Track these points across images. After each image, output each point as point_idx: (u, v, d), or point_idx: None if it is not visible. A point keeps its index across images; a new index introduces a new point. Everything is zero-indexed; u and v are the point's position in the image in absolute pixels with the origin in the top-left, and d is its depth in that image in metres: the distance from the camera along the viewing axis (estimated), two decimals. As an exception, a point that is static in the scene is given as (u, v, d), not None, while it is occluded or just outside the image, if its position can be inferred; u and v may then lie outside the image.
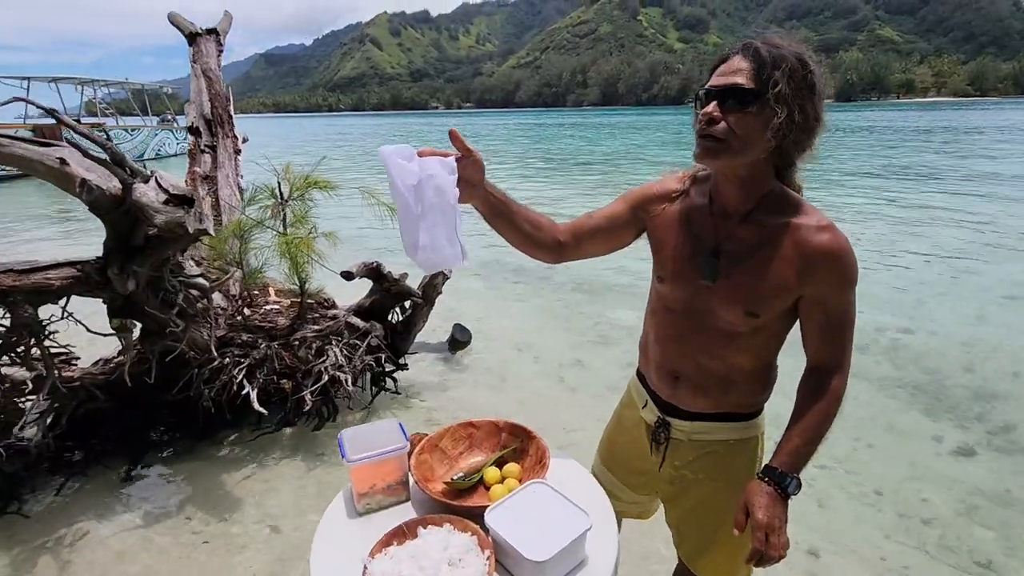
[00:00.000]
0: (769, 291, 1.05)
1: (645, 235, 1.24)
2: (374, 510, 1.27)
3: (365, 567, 1.06)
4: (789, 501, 1.06)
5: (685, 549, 1.33)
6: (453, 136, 1.02)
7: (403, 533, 1.15)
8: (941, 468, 2.60)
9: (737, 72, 0.96)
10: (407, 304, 3.32)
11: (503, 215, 1.14)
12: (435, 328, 3.90)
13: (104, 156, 1.98)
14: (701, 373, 1.17)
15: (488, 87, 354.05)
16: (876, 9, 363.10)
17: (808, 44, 1.00)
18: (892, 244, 6.65)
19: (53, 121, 2.04)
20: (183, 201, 2.03)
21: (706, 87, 1.00)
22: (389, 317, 3.29)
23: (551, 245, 1.22)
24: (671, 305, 1.19)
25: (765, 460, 1.13)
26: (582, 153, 20.77)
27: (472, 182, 1.05)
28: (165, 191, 2.03)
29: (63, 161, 1.93)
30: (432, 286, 3.25)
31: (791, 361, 1.20)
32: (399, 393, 3.18)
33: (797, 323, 1.12)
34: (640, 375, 1.35)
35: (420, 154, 0.95)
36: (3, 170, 14.57)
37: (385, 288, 3.13)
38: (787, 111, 0.94)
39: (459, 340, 3.80)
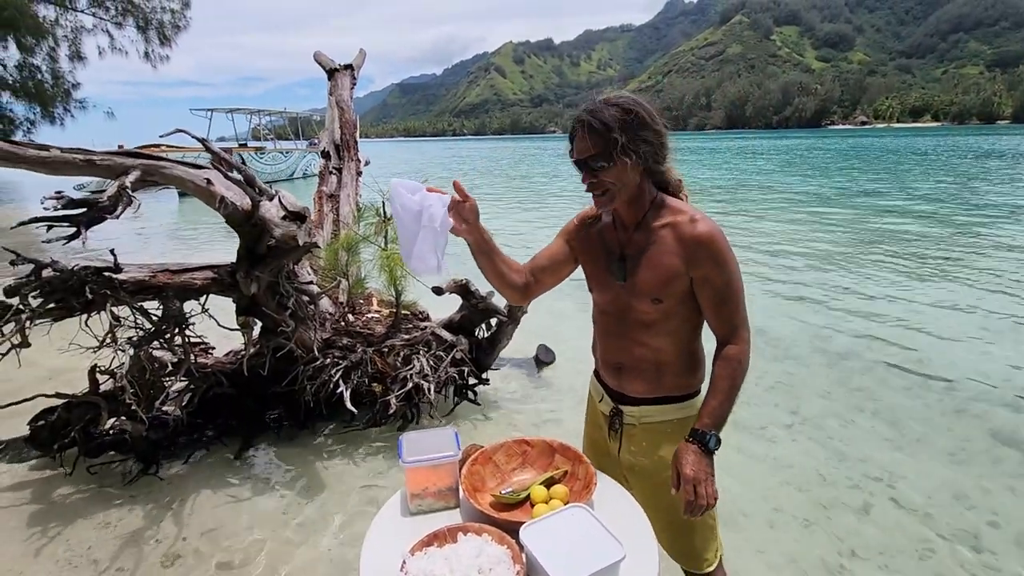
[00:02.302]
0: (664, 278, 1.29)
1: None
2: (424, 512, 1.34)
3: (404, 562, 1.13)
4: (715, 457, 1.27)
5: (665, 544, 1.44)
6: (456, 185, 1.31)
7: (444, 536, 1.21)
8: None
9: (585, 147, 1.24)
10: (493, 321, 3.43)
11: (485, 253, 1.40)
12: (523, 345, 3.99)
13: (240, 177, 2.33)
14: (635, 360, 1.38)
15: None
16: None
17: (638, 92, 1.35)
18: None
19: (224, 146, 2.44)
20: (297, 217, 2.32)
21: (573, 159, 1.28)
22: (476, 333, 3.43)
23: (518, 285, 1.46)
24: (602, 307, 1.44)
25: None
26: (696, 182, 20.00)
27: (467, 220, 1.32)
28: (284, 208, 2.34)
29: (209, 181, 2.30)
30: (518, 306, 3.34)
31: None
32: (479, 404, 3.28)
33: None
34: (596, 373, 1.55)
35: (428, 190, 1.26)
36: None
37: (473, 305, 3.27)
38: (635, 151, 1.21)
39: (543, 360, 3.84)
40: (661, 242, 1.29)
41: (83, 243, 1.97)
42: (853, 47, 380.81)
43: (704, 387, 1.40)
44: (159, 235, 10.85)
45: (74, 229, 2.01)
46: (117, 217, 2.00)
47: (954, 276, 6.17)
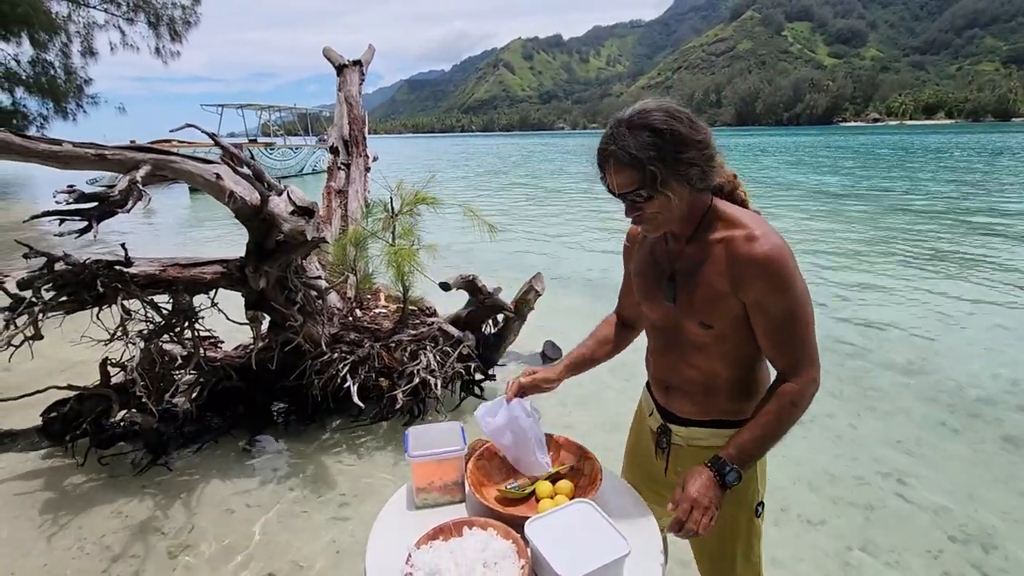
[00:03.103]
0: (711, 301, 1.15)
1: None
2: (430, 506, 1.35)
3: (409, 555, 1.14)
4: (729, 491, 1.12)
5: (702, 566, 1.40)
6: (519, 389, 1.40)
7: (449, 530, 1.21)
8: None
9: (620, 183, 1.09)
10: (500, 317, 3.43)
11: (588, 364, 1.46)
12: (530, 341, 3.98)
13: (249, 172, 2.34)
14: (684, 381, 1.27)
15: (616, 108, 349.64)
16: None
17: (667, 98, 1.13)
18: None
19: (234, 141, 2.46)
20: (305, 212, 2.33)
21: (609, 191, 1.13)
22: (483, 328, 3.43)
23: (628, 337, 1.48)
24: (653, 323, 1.33)
25: (762, 472, 1.28)
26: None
27: (550, 382, 1.41)
28: (293, 203, 2.35)
29: (218, 176, 2.31)
30: (524, 302, 3.34)
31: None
32: (485, 399, 3.28)
33: None
34: (648, 385, 1.45)
35: (508, 399, 1.39)
36: None
37: (480, 300, 3.27)
38: (679, 177, 1.07)
39: (550, 357, 3.85)
40: (713, 260, 1.13)
41: (94, 236, 1.99)
42: (866, 43, 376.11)
43: None
44: (170, 230, 10.94)
45: (85, 223, 2.03)
46: (128, 211, 2.02)
47: (969, 275, 6.10)
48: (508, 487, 1.38)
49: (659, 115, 1.06)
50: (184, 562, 2.11)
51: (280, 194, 2.39)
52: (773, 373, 1.20)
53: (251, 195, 2.40)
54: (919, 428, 3.06)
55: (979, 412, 3.23)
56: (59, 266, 2.31)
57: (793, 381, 1.12)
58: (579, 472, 1.42)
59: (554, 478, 1.40)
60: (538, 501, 1.33)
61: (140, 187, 2.06)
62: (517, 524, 1.19)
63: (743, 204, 1.21)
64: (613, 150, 1.07)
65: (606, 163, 1.10)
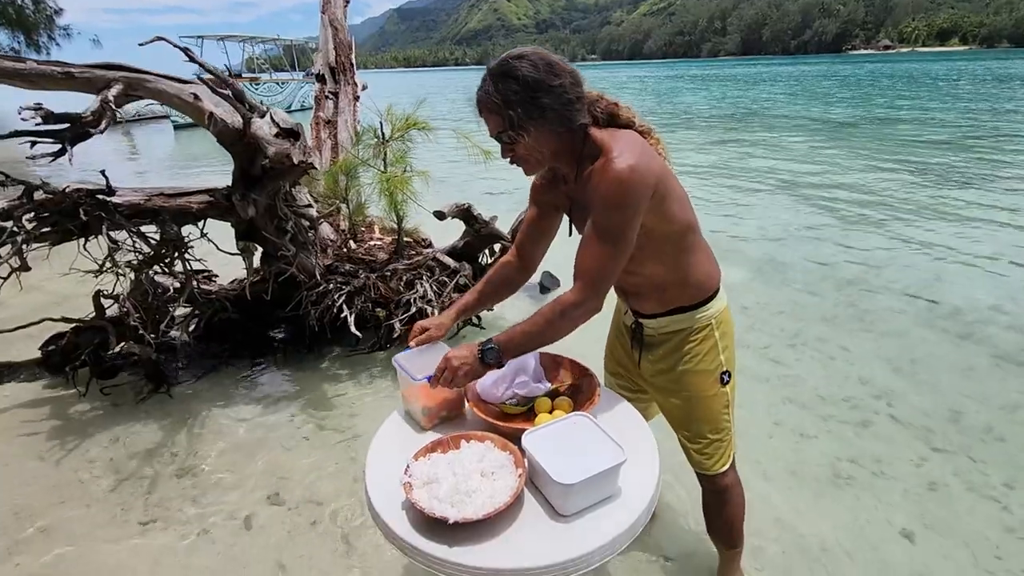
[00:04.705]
0: None
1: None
2: (430, 424, 1.35)
3: (407, 466, 1.15)
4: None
5: (680, 434, 1.51)
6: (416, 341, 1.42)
7: (447, 444, 1.22)
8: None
9: (489, 127, 1.22)
10: (497, 247, 3.39)
11: (476, 308, 1.52)
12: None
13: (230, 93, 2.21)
14: (634, 287, 1.40)
15: (615, 37, 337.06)
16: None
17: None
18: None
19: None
20: (290, 134, 2.22)
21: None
22: (479, 259, 3.39)
23: (519, 279, 1.51)
24: None
25: (724, 345, 1.40)
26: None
27: (442, 329, 1.44)
28: (277, 125, 2.24)
29: (196, 96, 2.19)
30: (522, 230, 3.28)
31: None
32: (484, 328, 3.30)
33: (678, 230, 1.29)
34: None
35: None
36: (183, 119, 16.92)
37: (475, 230, 3.21)
38: (536, 120, 1.16)
39: (547, 287, 3.84)
40: (587, 192, 1.21)
41: (70, 160, 1.90)
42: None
43: (720, 289, 1.41)
44: (156, 169, 10.66)
45: (59, 146, 1.93)
46: (102, 132, 1.92)
47: (971, 204, 6.01)
48: (507, 402, 1.39)
49: (518, 63, 1.16)
50: (190, 484, 2.17)
51: (263, 116, 2.28)
52: (726, 243, 1.34)
53: (233, 117, 2.28)
54: (912, 350, 3.10)
55: (972, 333, 3.26)
56: (39, 195, 2.23)
57: (574, 290, 1.21)
58: (578, 390, 1.43)
59: (553, 395, 1.40)
60: (536, 416, 1.34)
61: (113, 107, 1.95)
62: (515, 437, 1.19)
63: (628, 125, 1.27)
64: (480, 96, 1.19)
65: (479, 111, 1.21)
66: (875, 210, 5.88)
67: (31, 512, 2.04)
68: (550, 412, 1.35)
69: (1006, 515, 1.97)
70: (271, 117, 2.25)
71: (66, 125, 1.95)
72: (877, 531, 1.91)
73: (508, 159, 1.26)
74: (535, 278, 4.00)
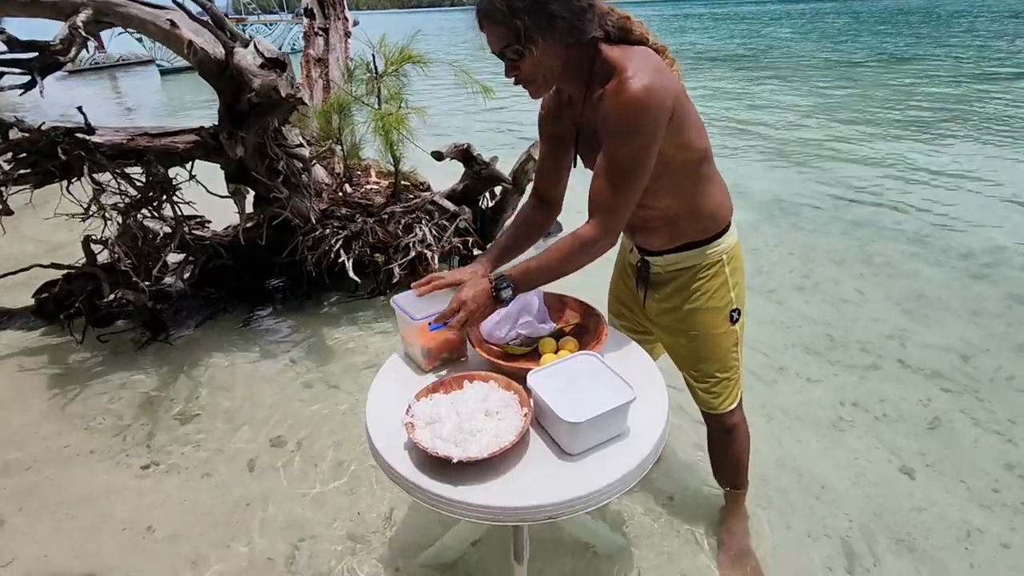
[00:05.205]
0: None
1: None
2: (433, 367, 1.31)
3: (409, 406, 1.11)
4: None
5: (686, 372, 1.47)
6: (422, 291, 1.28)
7: (449, 384, 1.18)
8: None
9: (493, 41, 1.10)
10: (497, 190, 3.28)
11: (517, 250, 1.40)
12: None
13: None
14: (644, 220, 1.30)
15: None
16: None
17: None
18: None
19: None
20: (277, 65, 2.08)
21: (492, 51, 1.13)
22: (479, 202, 3.29)
23: (547, 220, 1.43)
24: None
25: (735, 282, 1.34)
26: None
27: (464, 278, 1.27)
28: (261, 55, 2.09)
29: (173, 23, 2.03)
30: (523, 172, 3.16)
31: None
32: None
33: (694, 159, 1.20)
34: None
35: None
36: (169, 64, 16.28)
37: (475, 172, 3.09)
38: (545, 31, 1.06)
39: (550, 232, 3.74)
40: (600, 116, 1.11)
41: (41, 93, 1.77)
42: None
43: (731, 224, 1.34)
44: (143, 115, 10.33)
45: (28, 77, 1.81)
46: (73, 60, 1.79)
47: (987, 142, 5.80)
48: (512, 342, 1.35)
49: None
50: (192, 429, 2.17)
51: (246, 45, 2.12)
52: (735, 186, 1.25)
53: (214, 47, 2.13)
54: (924, 291, 3.04)
55: (986, 274, 3.19)
56: (14, 134, 2.11)
57: (590, 224, 1.15)
58: (583, 329, 1.38)
59: (559, 335, 1.36)
60: (541, 356, 1.30)
61: (83, 33, 1.81)
62: (519, 378, 1.15)
63: (641, 41, 1.16)
64: (483, 5, 1.08)
65: (481, 23, 1.11)
66: (887, 151, 5.70)
67: (34, 459, 2.04)
68: (555, 352, 1.31)
69: (1010, 448, 1.97)
70: (255, 46, 2.10)
71: (34, 55, 1.81)
72: (877, 469, 1.91)
73: (512, 79, 1.15)
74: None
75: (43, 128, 2.10)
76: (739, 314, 1.38)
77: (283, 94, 2.06)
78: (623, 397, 1.06)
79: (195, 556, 1.65)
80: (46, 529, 1.76)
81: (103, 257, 2.65)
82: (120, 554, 1.67)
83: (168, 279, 2.85)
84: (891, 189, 4.61)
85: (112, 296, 2.65)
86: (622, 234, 1.43)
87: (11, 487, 1.92)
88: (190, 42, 2.02)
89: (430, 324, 1.23)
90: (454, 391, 1.17)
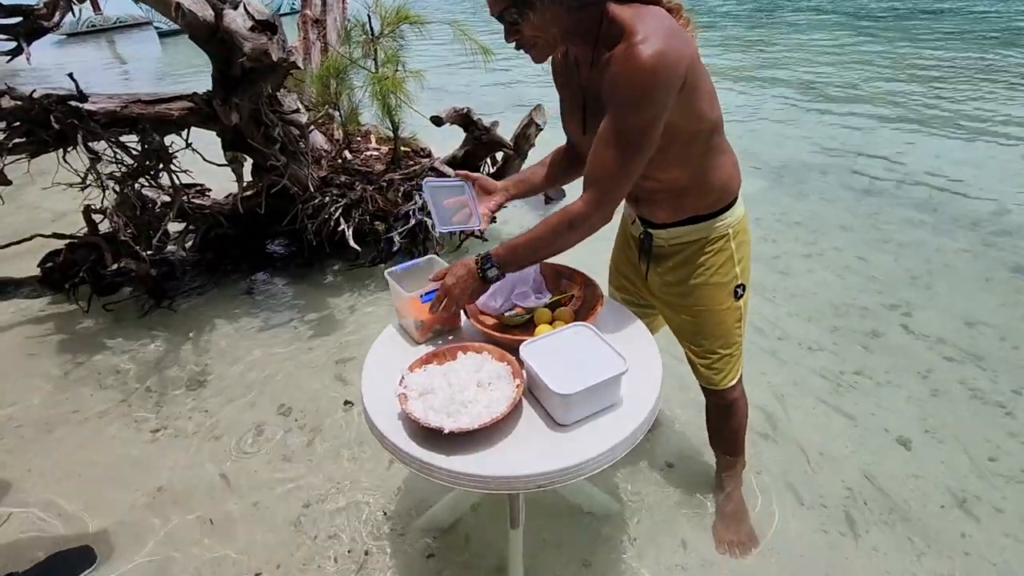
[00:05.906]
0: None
1: None
2: (428, 338, 1.31)
3: (402, 377, 1.12)
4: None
5: (687, 347, 1.46)
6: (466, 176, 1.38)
7: (443, 355, 1.18)
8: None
9: (491, 2, 1.04)
10: (499, 156, 3.22)
11: (529, 188, 1.42)
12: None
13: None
14: (649, 192, 1.25)
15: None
16: None
17: None
18: None
19: None
20: (267, 27, 2.02)
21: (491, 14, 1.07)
22: (480, 168, 3.23)
23: (577, 168, 1.29)
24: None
25: (740, 258, 1.30)
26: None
27: (490, 189, 1.39)
28: (251, 17, 2.03)
29: (160, -17, 1.97)
30: (524, 137, 3.09)
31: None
32: (487, 240, 3.20)
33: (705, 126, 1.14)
34: None
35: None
36: (167, 26, 15.92)
37: (476, 137, 3.03)
38: None
39: (551, 197, 3.69)
40: (606, 82, 1.04)
41: (28, 60, 1.74)
42: None
43: (738, 197, 1.30)
44: (144, 80, 10.17)
45: (14, 43, 1.77)
46: (58, 26, 1.74)
47: (1003, 113, 5.59)
48: (506, 314, 1.34)
49: None
50: (199, 395, 2.21)
51: (235, 7, 2.06)
52: (743, 152, 1.22)
53: (203, 10, 2.07)
54: (931, 260, 2.99)
55: (995, 243, 3.13)
56: (5, 102, 2.08)
57: (583, 199, 1.11)
58: (580, 300, 1.37)
59: (554, 305, 1.35)
60: (536, 327, 1.30)
61: (67, -3, 1.75)
62: (513, 349, 1.15)
63: (654, 1, 1.07)
64: None
65: None
66: (902, 116, 5.51)
67: (46, 421, 2.09)
68: (550, 323, 1.30)
69: (1009, 420, 1.97)
70: (244, 8, 2.03)
71: (18, 19, 1.76)
72: (876, 437, 1.92)
73: (513, 44, 1.10)
74: (540, 189, 3.85)
75: (34, 96, 2.07)
76: (744, 290, 1.35)
77: (274, 58, 2.01)
78: (615, 369, 1.05)
79: (205, 516, 1.71)
80: (57, 486, 1.83)
81: (105, 226, 2.65)
82: (131, 512, 1.74)
83: (171, 247, 2.85)
84: (901, 155, 4.48)
85: (115, 265, 2.66)
86: (625, 204, 1.39)
87: (20, 449, 1.98)
88: (178, 4, 1.96)
89: (422, 296, 1.23)
90: (448, 362, 1.17)
